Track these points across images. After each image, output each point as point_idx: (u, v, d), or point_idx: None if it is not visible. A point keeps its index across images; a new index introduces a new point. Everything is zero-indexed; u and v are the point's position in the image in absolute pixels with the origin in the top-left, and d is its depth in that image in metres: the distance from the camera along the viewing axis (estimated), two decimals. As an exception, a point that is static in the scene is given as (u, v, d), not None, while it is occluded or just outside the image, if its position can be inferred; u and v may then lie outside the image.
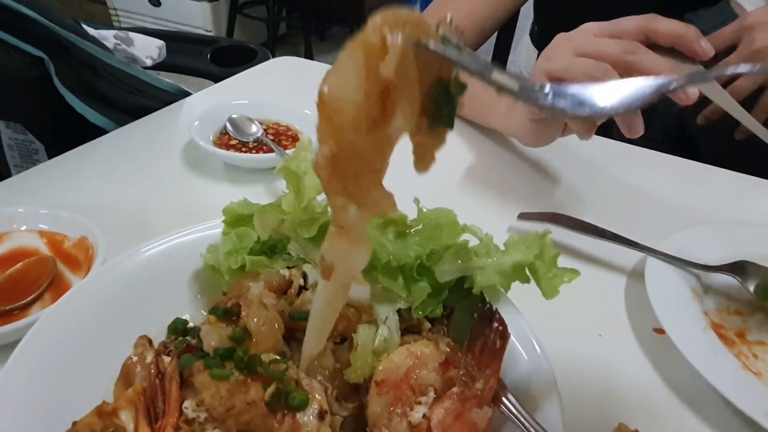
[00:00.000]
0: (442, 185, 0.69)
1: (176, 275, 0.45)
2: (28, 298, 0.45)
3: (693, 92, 0.50)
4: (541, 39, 1.17)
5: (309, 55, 3.59)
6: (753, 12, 0.66)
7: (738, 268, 0.52)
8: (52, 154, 0.75)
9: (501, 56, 1.33)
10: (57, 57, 0.61)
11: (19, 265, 0.48)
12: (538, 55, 1.19)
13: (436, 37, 0.25)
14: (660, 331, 0.49)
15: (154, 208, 0.60)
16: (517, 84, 0.24)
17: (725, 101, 0.56)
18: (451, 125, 0.27)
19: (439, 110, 0.27)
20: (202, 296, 0.45)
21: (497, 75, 0.25)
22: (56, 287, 0.47)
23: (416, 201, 0.42)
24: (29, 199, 0.58)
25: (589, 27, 0.57)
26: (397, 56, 0.23)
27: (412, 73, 0.25)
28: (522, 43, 1.27)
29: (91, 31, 0.76)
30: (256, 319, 0.34)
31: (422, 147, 0.27)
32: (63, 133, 0.76)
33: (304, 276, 0.39)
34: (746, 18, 0.65)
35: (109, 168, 0.66)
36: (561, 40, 0.58)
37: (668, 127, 0.87)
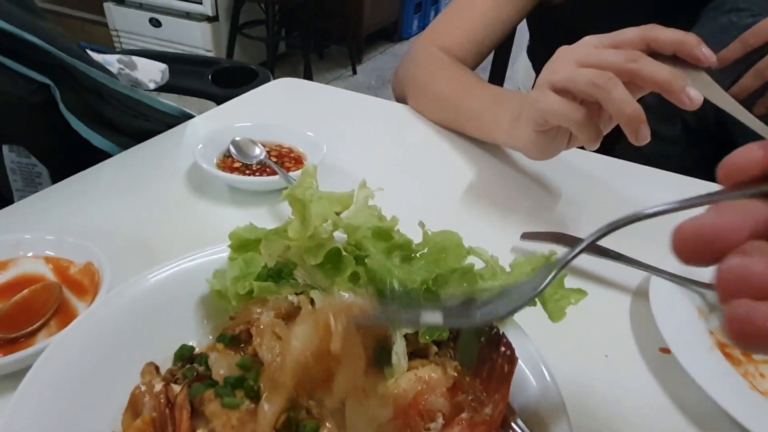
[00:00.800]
0: (444, 204, 0.69)
1: (182, 301, 0.45)
2: (35, 326, 0.45)
3: (696, 96, 0.51)
4: (536, 53, 1.19)
5: (308, 73, 3.62)
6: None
7: (742, 287, 0.52)
8: (55, 177, 0.76)
9: (499, 73, 1.34)
10: (63, 83, 0.62)
11: (25, 291, 0.48)
12: (536, 70, 1.21)
13: (373, 309, 0.33)
14: (666, 350, 0.49)
15: (158, 232, 0.60)
16: (441, 317, 0.31)
17: (725, 102, 0.56)
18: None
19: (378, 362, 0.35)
20: (208, 321, 0.45)
21: (425, 317, 0.32)
22: (62, 314, 0.47)
23: (421, 224, 0.42)
24: (33, 224, 0.59)
25: (589, 39, 0.58)
26: (340, 337, 0.31)
27: (356, 340, 0.32)
28: (520, 60, 1.28)
29: (95, 55, 0.77)
30: (269, 351, 0.34)
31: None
32: (67, 157, 0.77)
33: (312, 302, 0.39)
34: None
35: (113, 192, 0.66)
36: (563, 52, 0.59)
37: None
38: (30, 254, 0.51)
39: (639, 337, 0.51)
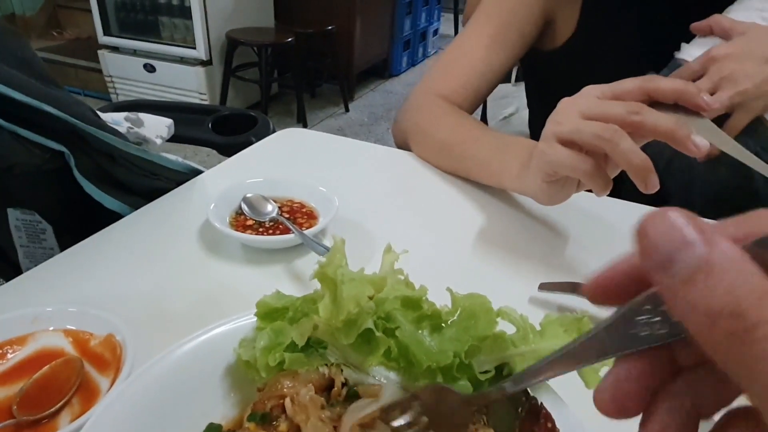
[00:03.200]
0: (458, 255, 0.70)
1: (208, 374, 0.44)
2: (58, 405, 0.44)
3: (702, 143, 0.52)
4: (530, 100, 1.21)
5: (301, 113, 3.67)
6: (714, 47, 0.70)
7: None
8: (60, 233, 0.75)
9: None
10: (77, 149, 0.63)
11: (45, 368, 0.47)
12: (529, 114, 1.23)
13: None
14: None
15: (175, 296, 0.59)
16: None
17: (729, 146, 0.57)
18: None
19: None
20: (234, 393, 0.45)
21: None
22: (84, 390, 0.46)
23: (449, 290, 0.42)
24: (47, 294, 0.58)
25: (591, 90, 0.59)
26: None
27: None
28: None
29: (104, 116, 0.77)
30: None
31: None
32: (74, 217, 0.77)
33: (345, 379, 0.38)
34: (710, 51, 0.69)
35: (126, 255, 0.66)
36: (566, 104, 0.60)
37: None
38: (51, 328, 0.50)
39: (667, 390, 0.51)
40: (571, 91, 0.61)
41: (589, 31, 0.93)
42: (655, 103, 0.56)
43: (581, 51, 0.95)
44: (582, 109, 0.57)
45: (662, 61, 0.89)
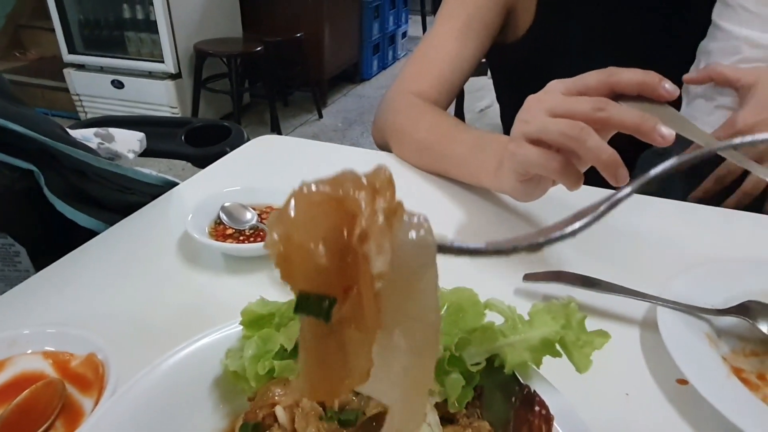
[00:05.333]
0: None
1: (195, 387, 0.43)
2: (40, 430, 0.42)
3: (668, 132, 0.52)
4: (499, 93, 1.22)
5: (275, 122, 3.65)
6: (738, 117, 0.72)
7: (745, 310, 0.53)
8: (34, 256, 0.73)
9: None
10: (47, 167, 0.61)
11: (25, 392, 0.45)
12: (500, 108, 1.24)
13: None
14: (683, 381, 0.50)
15: (156, 310, 0.58)
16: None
17: (694, 133, 0.58)
18: None
19: None
20: (224, 405, 0.44)
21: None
22: (67, 413, 0.45)
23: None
24: (23, 317, 0.56)
25: (556, 86, 0.60)
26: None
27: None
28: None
29: (73, 133, 0.76)
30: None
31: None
32: (48, 237, 0.75)
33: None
34: (736, 124, 0.71)
35: (104, 272, 0.64)
36: (533, 102, 0.61)
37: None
38: (29, 351, 0.48)
39: (655, 371, 0.51)
40: (538, 81, 0.62)
41: (548, 18, 0.95)
42: (619, 95, 0.57)
43: (542, 40, 0.97)
44: (548, 107, 0.58)
45: (624, 48, 0.90)
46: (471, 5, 0.93)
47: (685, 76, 0.82)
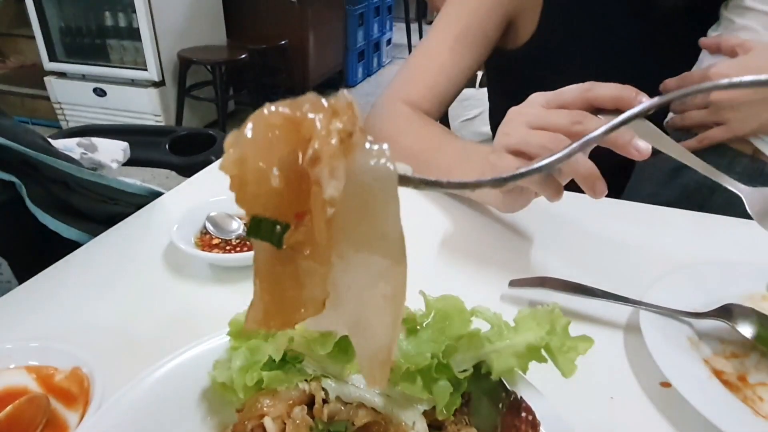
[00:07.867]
0: (428, 260, 0.70)
1: (182, 399, 0.43)
2: (25, 446, 0.42)
3: (645, 146, 0.54)
4: (494, 101, 1.23)
5: (261, 129, 3.62)
6: (715, 66, 0.74)
7: (725, 312, 0.55)
8: (17, 267, 0.72)
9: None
10: (29, 178, 0.60)
11: (8, 408, 0.44)
12: (493, 117, 1.25)
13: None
14: (666, 384, 0.50)
15: (142, 322, 0.58)
16: None
17: (670, 147, 0.60)
18: None
19: None
20: (212, 417, 0.44)
21: None
22: (52, 428, 0.44)
23: (422, 293, 0.42)
24: (5, 331, 0.55)
25: (537, 99, 0.61)
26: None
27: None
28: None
29: (56, 144, 0.75)
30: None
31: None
32: (31, 249, 0.74)
33: (325, 392, 0.38)
34: (708, 70, 0.73)
35: (88, 284, 0.64)
36: (513, 115, 0.62)
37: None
38: (12, 366, 0.48)
39: (639, 374, 0.52)
40: (534, 90, 0.63)
41: (550, 30, 0.96)
42: (598, 109, 0.58)
43: (543, 50, 0.97)
44: (529, 120, 0.59)
45: (623, 61, 0.92)
46: (469, 15, 0.92)
47: (702, 40, 0.84)
